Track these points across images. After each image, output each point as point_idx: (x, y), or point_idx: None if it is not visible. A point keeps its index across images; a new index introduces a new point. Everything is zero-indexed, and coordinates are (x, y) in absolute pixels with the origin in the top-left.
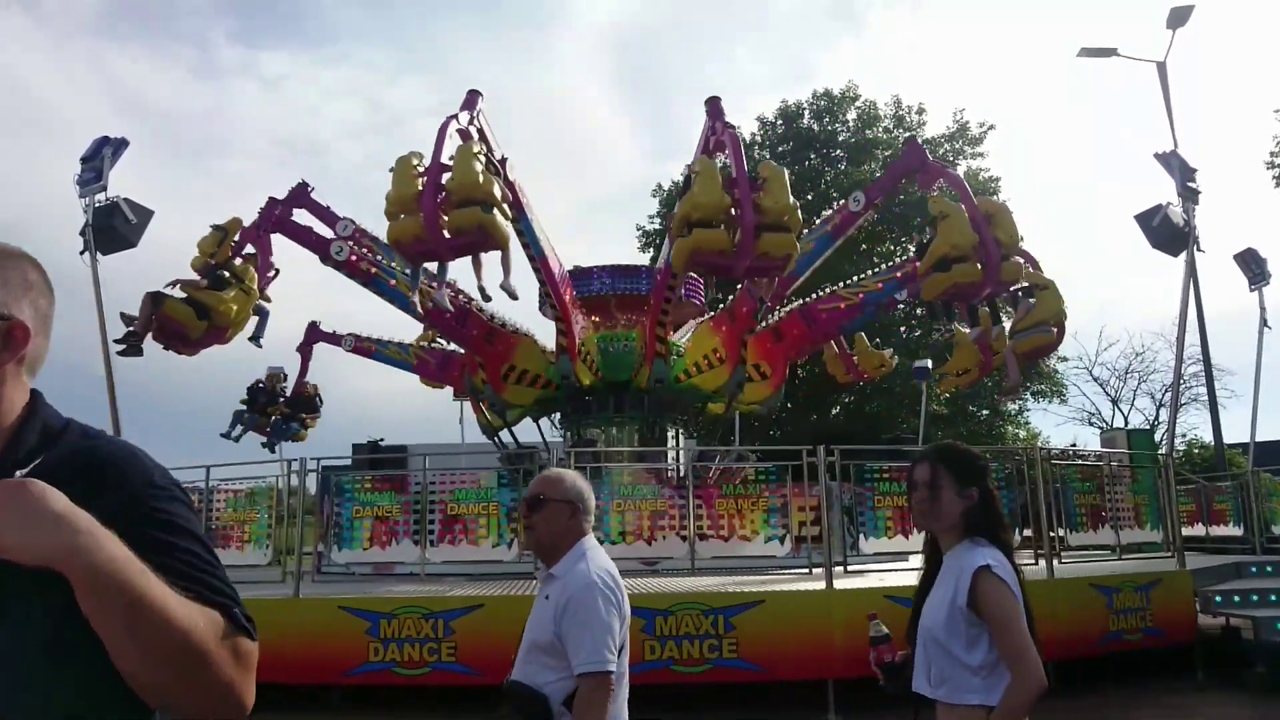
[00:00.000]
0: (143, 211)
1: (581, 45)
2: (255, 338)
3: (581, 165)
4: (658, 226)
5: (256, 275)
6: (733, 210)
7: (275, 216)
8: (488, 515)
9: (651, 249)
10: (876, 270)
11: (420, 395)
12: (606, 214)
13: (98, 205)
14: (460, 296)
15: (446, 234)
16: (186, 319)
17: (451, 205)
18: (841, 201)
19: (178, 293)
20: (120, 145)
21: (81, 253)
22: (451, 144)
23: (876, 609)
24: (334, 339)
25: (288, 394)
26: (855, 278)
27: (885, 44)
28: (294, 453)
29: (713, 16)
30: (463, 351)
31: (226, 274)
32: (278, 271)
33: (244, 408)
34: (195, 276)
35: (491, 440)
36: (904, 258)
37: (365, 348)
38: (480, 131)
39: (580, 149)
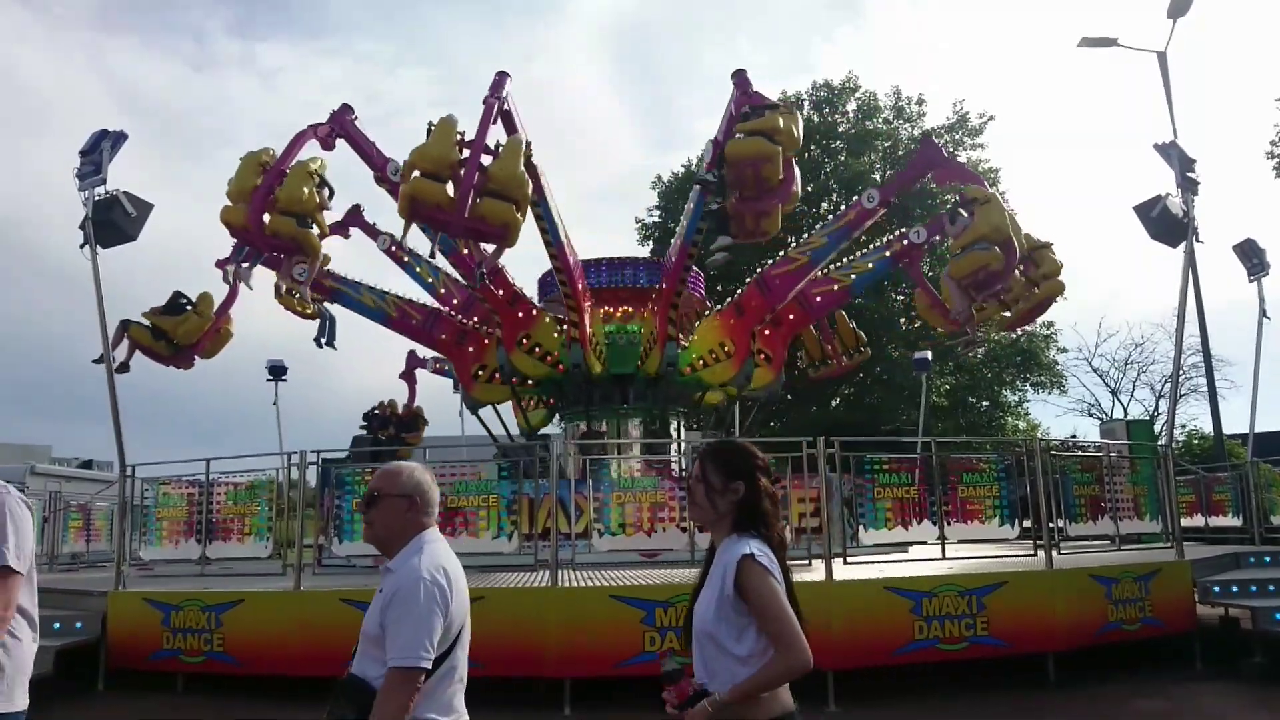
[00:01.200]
0: (142, 205)
1: (580, 36)
2: (321, 339)
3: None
4: (657, 219)
5: (215, 303)
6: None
7: (343, 122)
8: (488, 507)
9: (651, 241)
10: (864, 252)
11: (421, 388)
12: (605, 205)
13: (97, 199)
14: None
15: (466, 214)
16: (149, 342)
17: (485, 190)
18: (856, 198)
19: (143, 320)
20: (119, 138)
21: (81, 246)
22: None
23: (876, 600)
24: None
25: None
26: (846, 259)
27: (885, 35)
28: (294, 446)
29: (712, 6)
30: (459, 317)
31: (184, 301)
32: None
33: (363, 432)
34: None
35: (522, 438)
36: (894, 233)
37: (329, 287)
38: (507, 114)
39: (579, 140)
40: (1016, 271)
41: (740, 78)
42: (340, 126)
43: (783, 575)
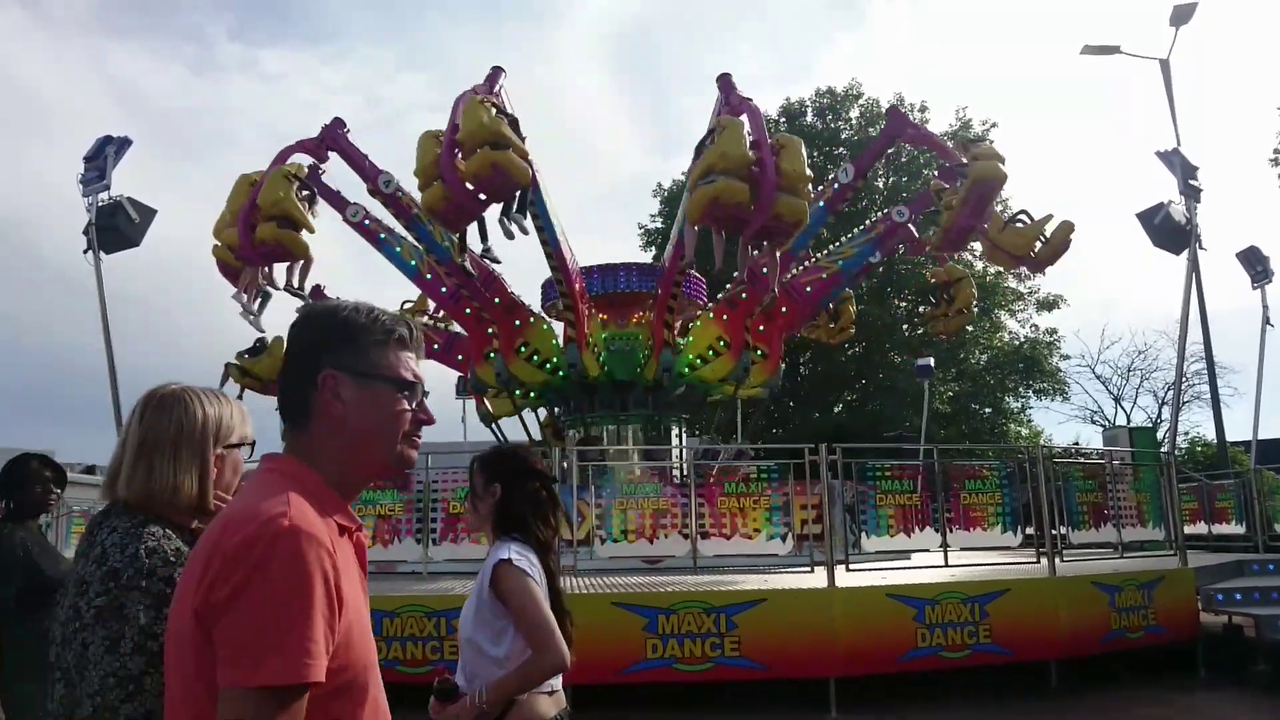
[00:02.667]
0: (146, 210)
1: (581, 41)
2: None
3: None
4: (660, 225)
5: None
6: (754, 168)
7: (334, 136)
8: None
9: (654, 247)
10: (850, 236)
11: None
12: (607, 210)
13: (101, 204)
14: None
15: (469, 186)
16: (242, 380)
17: (464, 157)
18: (831, 176)
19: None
20: (123, 144)
21: (85, 251)
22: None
23: (879, 607)
24: (339, 203)
25: None
26: (831, 246)
27: (887, 41)
28: None
29: (714, 12)
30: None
31: (260, 344)
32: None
33: None
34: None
35: (489, 428)
36: (878, 215)
37: (372, 230)
38: (499, 108)
39: (579, 145)
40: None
41: (725, 81)
42: (332, 140)
43: (545, 577)
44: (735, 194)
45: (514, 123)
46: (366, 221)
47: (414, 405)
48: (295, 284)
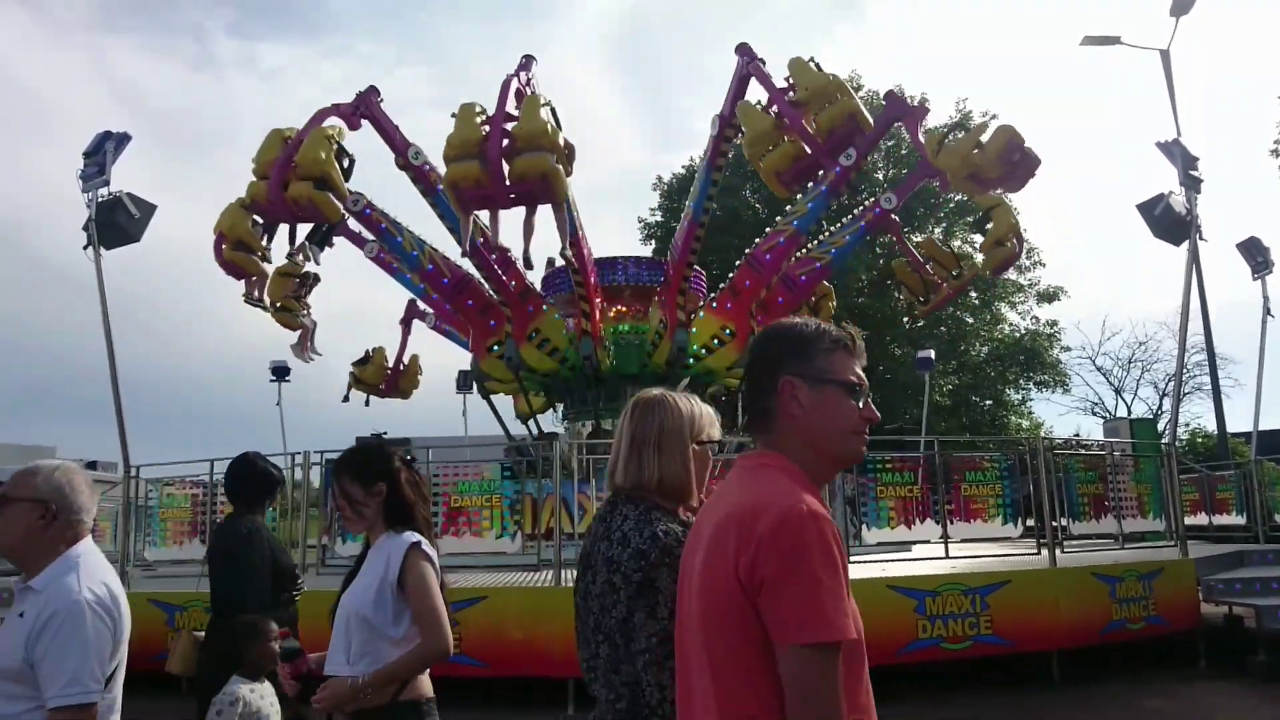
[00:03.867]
0: (145, 206)
1: (579, 35)
2: (303, 354)
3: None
4: (660, 219)
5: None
6: (780, 129)
7: (369, 104)
8: (491, 508)
9: (654, 241)
10: (840, 225)
11: (423, 388)
12: (606, 204)
13: (100, 200)
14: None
15: (507, 181)
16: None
17: (516, 151)
18: (873, 199)
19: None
20: (123, 140)
21: (85, 247)
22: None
23: (879, 599)
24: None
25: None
26: (822, 235)
27: (886, 33)
28: (297, 446)
29: (712, 5)
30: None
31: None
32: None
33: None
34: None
35: (525, 424)
36: (867, 203)
37: (375, 220)
38: (554, 110)
39: (578, 139)
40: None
41: (744, 49)
42: (366, 108)
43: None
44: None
45: (553, 112)
46: (369, 210)
47: (860, 404)
48: (304, 346)
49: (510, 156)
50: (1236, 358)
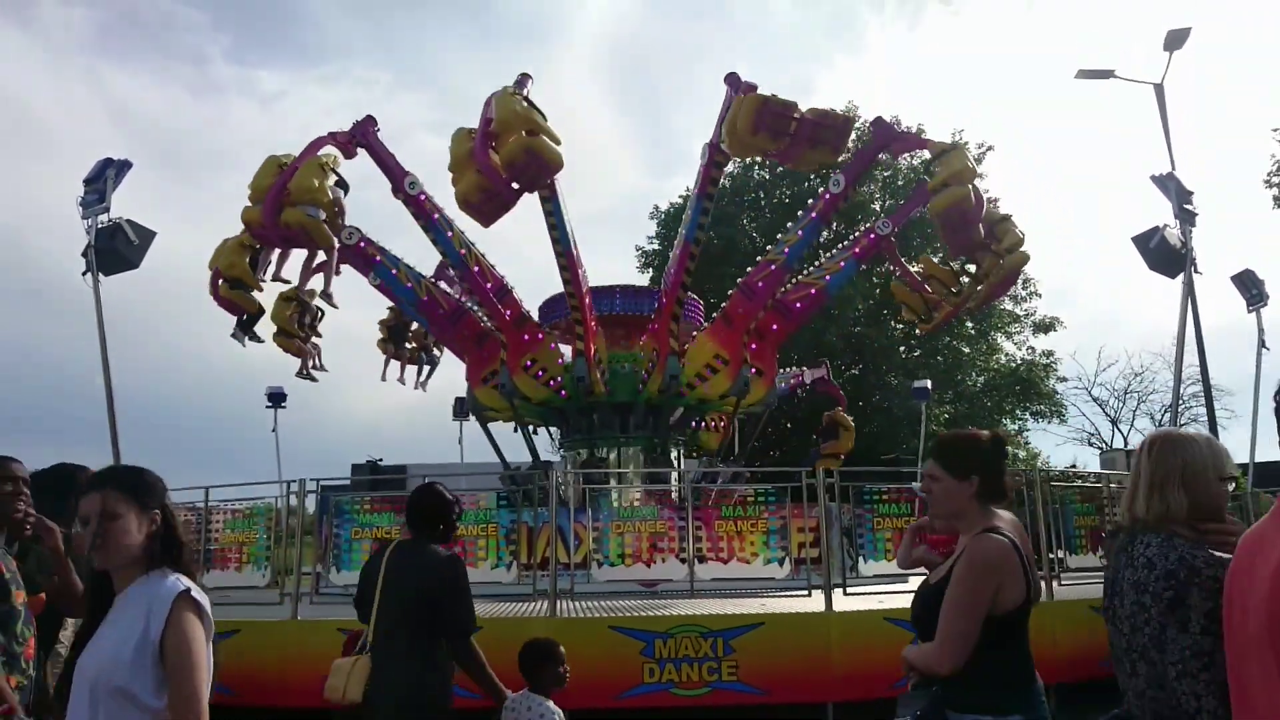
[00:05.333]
0: (145, 233)
1: (578, 61)
2: (303, 374)
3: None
4: (657, 247)
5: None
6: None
7: (366, 133)
8: (486, 536)
9: (651, 269)
10: (835, 252)
11: (419, 415)
12: (602, 230)
13: (100, 226)
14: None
15: (503, 175)
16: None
17: (499, 145)
18: (821, 189)
19: None
20: (124, 167)
21: (84, 274)
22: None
23: (876, 631)
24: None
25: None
26: (817, 261)
27: (883, 64)
28: (293, 474)
29: (710, 31)
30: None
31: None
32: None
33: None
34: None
35: (483, 427)
36: (861, 229)
37: (369, 254)
38: (530, 101)
39: (575, 166)
40: (982, 233)
41: (732, 79)
42: (363, 136)
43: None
44: (471, 185)
45: (543, 118)
46: (363, 243)
47: None
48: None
49: (497, 151)
50: (1232, 389)
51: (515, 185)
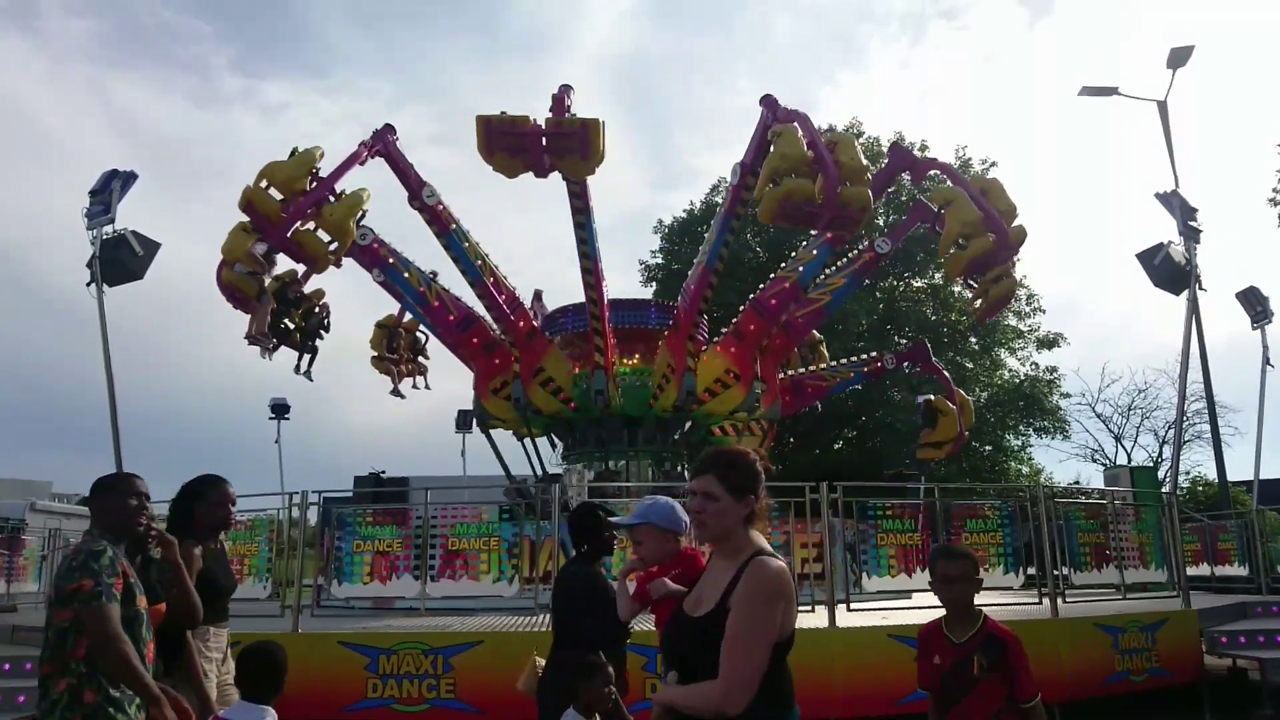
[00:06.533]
0: (150, 244)
1: (581, 76)
2: (300, 370)
3: None
4: (660, 261)
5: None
6: (814, 165)
7: (385, 142)
8: (489, 550)
9: (655, 283)
10: (837, 267)
11: (422, 427)
12: (604, 244)
13: (105, 238)
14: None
15: (544, 141)
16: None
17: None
18: (867, 242)
19: None
20: (129, 179)
21: (88, 284)
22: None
23: (879, 648)
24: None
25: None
26: (819, 277)
27: (887, 80)
28: (295, 485)
29: (711, 48)
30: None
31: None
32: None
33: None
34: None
35: (486, 435)
36: (862, 246)
37: (381, 256)
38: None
39: None
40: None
41: (769, 100)
42: (383, 146)
43: None
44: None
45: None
46: (376, 244)
47: None
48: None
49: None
50: (1236, 406)
51: (546, 159)
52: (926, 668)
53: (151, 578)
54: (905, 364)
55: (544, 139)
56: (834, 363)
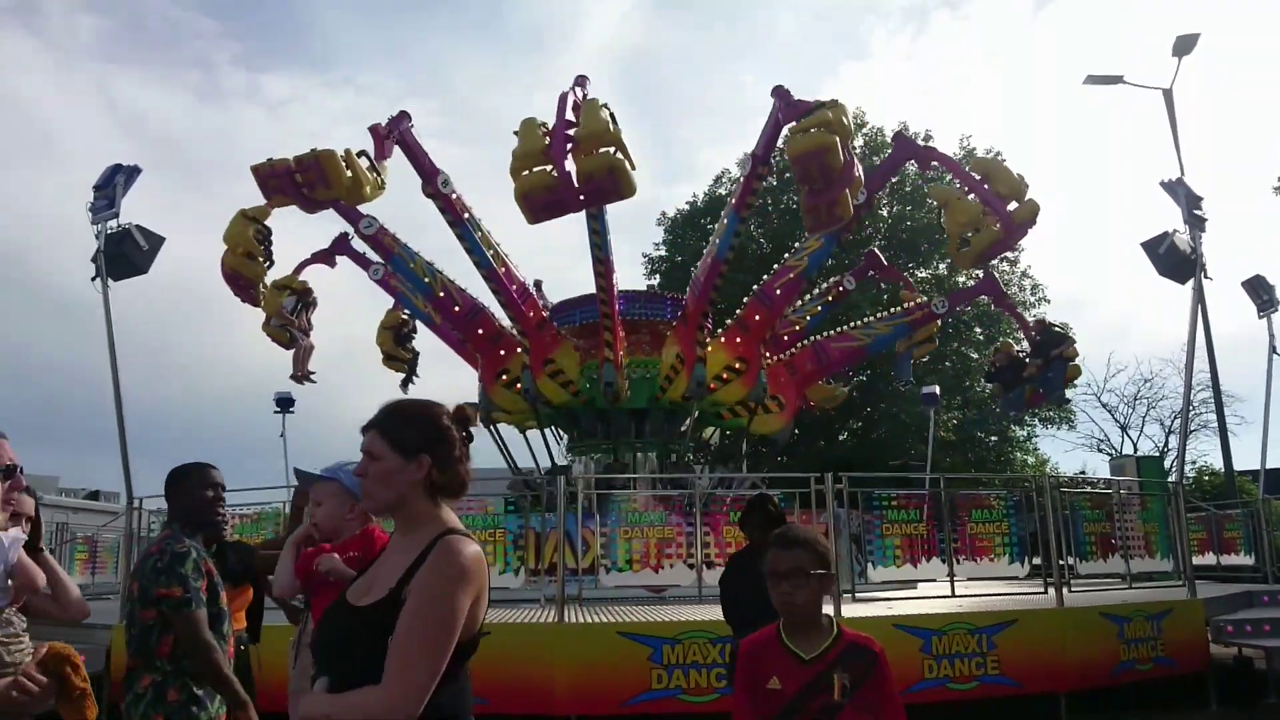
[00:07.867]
0: (154, 238)
1: (585, 69)
2: (298, 375)
3: None
4: (663, 254)
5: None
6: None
7: (401, 129)
8: (494, 542)
9: (658, 275)
10: (887, 313)
11: None
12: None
13: (109, 232)
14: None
15: (576, 183)
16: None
17: (580, 153)
18: (926, 300)
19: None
20: (133, 173)
21: (93, 279)
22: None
23: (885, 638)
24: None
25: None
26: (866, 318)
27: (891, 70)
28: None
29: (716, 40)
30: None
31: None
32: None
33: None
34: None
35: (489, 428)
36: (919, 301)
37: (388, 244)
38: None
39: None
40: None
41: (780, 91)
42: (398, 132)
43: None
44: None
45: (611, 115)
46: (381, 234)
47: None
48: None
49: (575, 157)
50: (1243, 395)
51: (583, 197)
52: (759, 697)
53: (229, 562)
54: (868, 274)
55: (580, 195)
56: (799, 302)
